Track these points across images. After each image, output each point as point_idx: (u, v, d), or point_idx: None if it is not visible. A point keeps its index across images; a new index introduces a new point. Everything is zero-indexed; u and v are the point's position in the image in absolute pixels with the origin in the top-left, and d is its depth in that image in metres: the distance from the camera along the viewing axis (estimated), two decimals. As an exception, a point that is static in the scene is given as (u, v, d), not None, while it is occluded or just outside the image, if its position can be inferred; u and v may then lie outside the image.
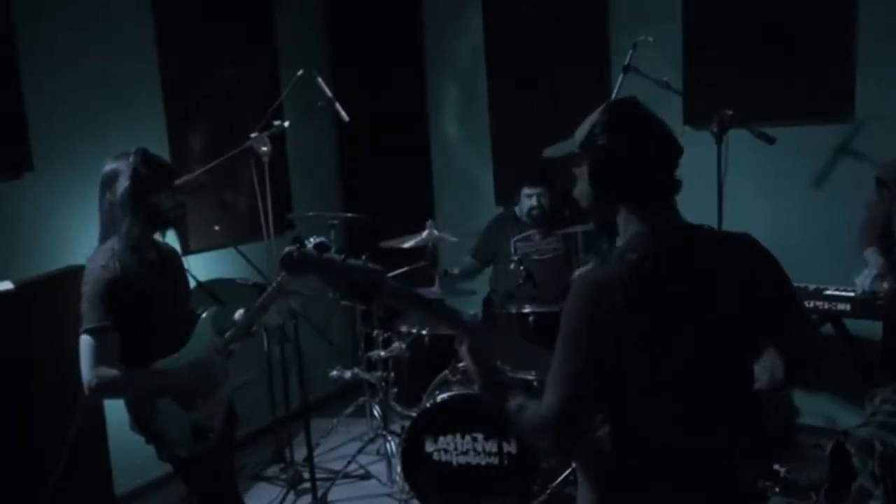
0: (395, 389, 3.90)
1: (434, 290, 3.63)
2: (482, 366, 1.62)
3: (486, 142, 4.81)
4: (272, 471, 4.02)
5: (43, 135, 3.37)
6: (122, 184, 2.30)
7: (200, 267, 3.54)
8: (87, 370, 2.21)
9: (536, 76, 4.54)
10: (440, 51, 4.91)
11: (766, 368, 1.57)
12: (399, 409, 3.88)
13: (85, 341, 2.22)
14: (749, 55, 3.89)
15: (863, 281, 3.21)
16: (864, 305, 3.14)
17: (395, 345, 3.81)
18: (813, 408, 3.87)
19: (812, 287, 3.31)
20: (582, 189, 1.56)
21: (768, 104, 3.82)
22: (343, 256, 1.57)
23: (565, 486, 3.37)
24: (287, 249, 1.57)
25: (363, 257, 1.61)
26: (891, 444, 2.59)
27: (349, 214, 4.43)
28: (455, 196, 4.99)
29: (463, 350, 1.65)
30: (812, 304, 3.20)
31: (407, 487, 3.41)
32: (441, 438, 3.29)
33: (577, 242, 3.86)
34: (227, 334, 2.53)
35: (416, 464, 3.32)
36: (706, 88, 3.90)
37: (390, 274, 1.65)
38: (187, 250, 3.82)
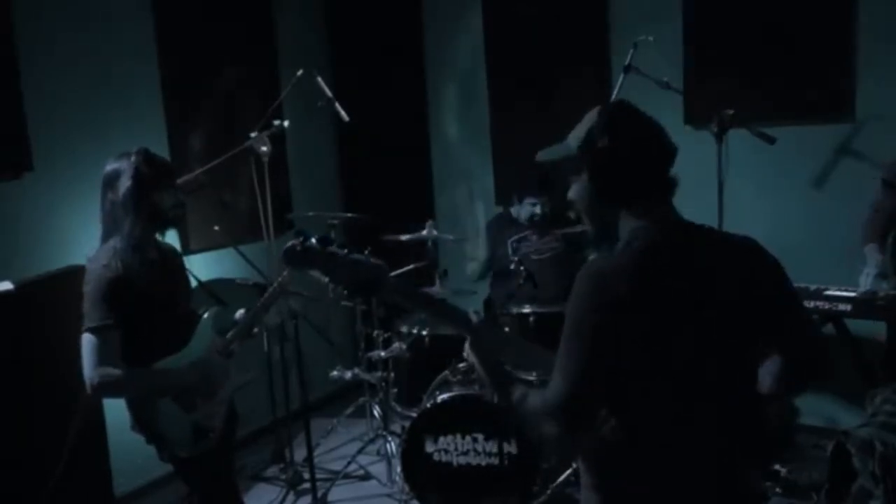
0: (396, 389, 3.90)
1: (435, 290, 3.63)
2: (487, 363, 1.63)
3: (486, 142, 4.81)
4: (272, 471, 4.02)
5: (43, 135, 3.37)
6: (125, 183, 2.30)
7: (200, 267, 3.54)
8: (89, 369, 2.22)
9: (536, 76, 4.54)
10: (440, 51, 4.91)
11: (769, 373, 1.57)
12: (399, 409, 3.88)
13: (87, 340, 2.22)
14: (749, 55, 3.89)
15: (865, 280, 3.21)
16: (865, 305, 3.13)
17: (395, 345, 3.81)
18: (813, 408, 3.87)
19: (813, 287, 3.31)
20: (580, 192, 1.56)
21: (768, 104, 3.82)
22: (346, 251, 1.58)
23: (565, 486, 3.36)
24: (290, 243, 1.57)
25: (366, 252, 1.60)
26: (891, 445, 2.59)
27: (349, 214, 4.42)
28: (455, 196, 4.99)
29: (466, 348, 1.65)
30: (813, 304, 3.20)
31: (407, 488, 3.41)
32: (441, 439, 3.29)
33: (576, 241, 3.86)
34: (229, 334, 2.54)
35: (416, 464, 3.32)
36: (706, 88, 3.90)
37: (391, 273, 1.64)
38: (187, 250, 3.83)
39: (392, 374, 3.88)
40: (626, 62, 3.48)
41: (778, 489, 3.31)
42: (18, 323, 2.84)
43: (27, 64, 3.31)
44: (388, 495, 3.68)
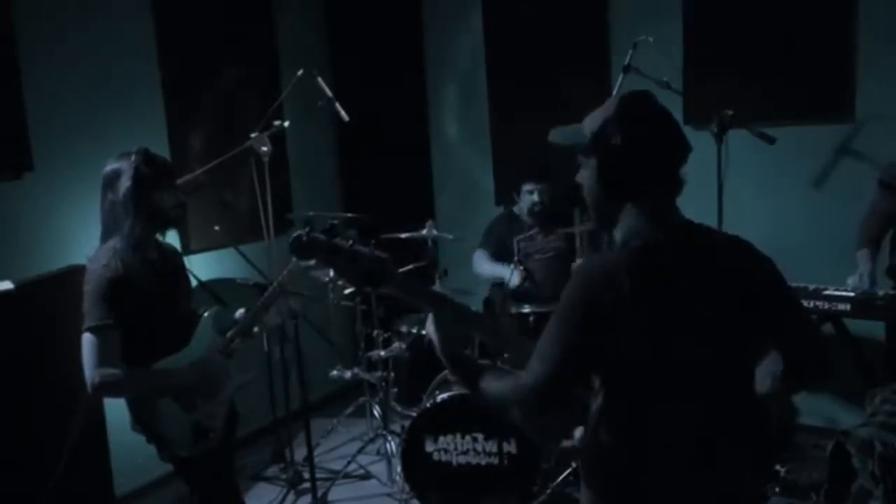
0: (395, 389, 3.91)
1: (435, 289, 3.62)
2: (447, 343, 1.62)
3: (486, 142, 4.81)
4: (272, 471, 4.03)
5: (43, 135, 3.37)
6: (124, 183, 2.30)
7: (201, 267, 3.54)
8: (89, 369, 2.22)
9: (536, 76, 4.54)
10: (440, 51, 4.91)
11: (768, 373, 1.57)
12: (399, 409, 3.88)
13: (87, 340, 2.22)
14: (749, 55, 3.89)
15: (854, 283, 3.22)
16: (864, 305, 3.13)
17: (395, 345, 3.81)
18: (813, 408, 3.87)
19: (812, 287, 3.31)
20: (588, 182, 1.56)
21: (768, 104, 3.82)
22: (351, 242, 1.58)
23: (565, 486, 3.37)
24: (296, 233, 1.58)
25: (371, 245, 1.61)
26: (891, 445, 2.59)
27: (349, 214, 4.42)
28: (455, 196, 4.99)
29: (428, 324, 1.64)
30: (812, 304, 3.20)
31: (407, 487, 3.41)
32: (441, 438, 3.29)
33: (579, 241, 3.86)
34: (229, 334, 2.54)
35: (416, 464, 3.32)
36: (706, 88, 3.90)
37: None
38: (187, 250, 3.83)
39: (392, 374, 3.88)
40: (626, 62, 3.48)
41: (778, 489, 3.32)
42: (18, 323, 2.84)
43: (27, 64, 3.31)
44: (388, 495, 3.68)
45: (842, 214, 3.51)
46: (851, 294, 3.19)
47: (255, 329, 2.65)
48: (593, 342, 1.41)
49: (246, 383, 2.62)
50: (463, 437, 3.27)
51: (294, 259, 2.51)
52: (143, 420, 2.37)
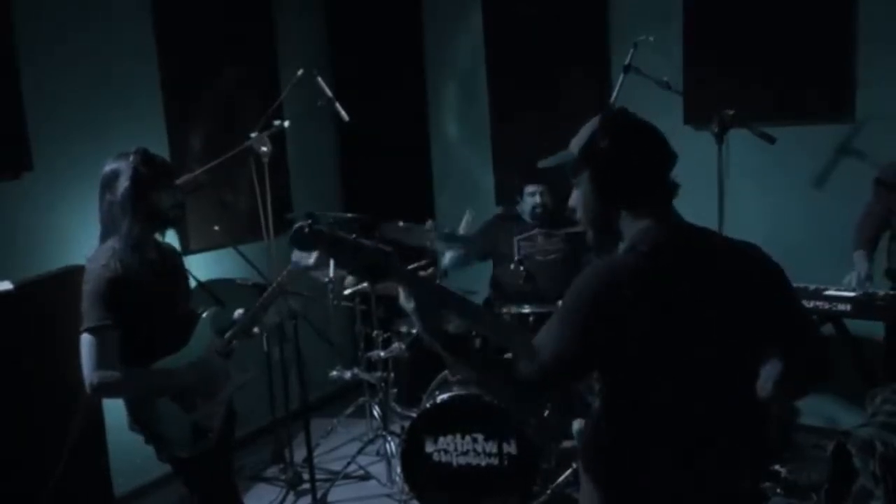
0: (395, 390, 3.90)
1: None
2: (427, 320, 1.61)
3: (486, 142, 4.81)
4: (272, 471, 4.02)
5: (42, 135, 3.37)
6: (123, 184, 2.30)
7: (200, 267, 3.54)
8: (88, 369, 2.22)
9: (536, 76, 4.54)
10: (440, 51, 4.91)
11: (770, 377, 1.57)
12: (399, 409, 3.88)
13: (86, 340, 2.22)
14: (749, 55, 3.88)
15: (849, 282, 3.23)
16: (864, 305, 3.13)
17: (395, 345, 3.81)
18: (813, 408, 3.87)
19: (812, 287, 3.31)
20: (582, 196, 1.57)
21: (768, 104, 3.82)
22: (354, 235, 1.58)
23: (565, 486, 3.37)
24: (298, 224, 1.57)
25: (374, 238, 1.61)
26: (892, 445, 2.59)
27: (349, 214, 4.42)
28: (455, 196, 4.98)
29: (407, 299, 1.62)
30: (812, 304, 3.20)
31: (407, 488, 3.41)
32: (441, 439, 3.29)
33: (581, 242, 3.85)
34: (228, 334, 2.53)
35: (416, 464, 3.32)
36: (706, 88, 3.90)
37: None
38: (187, 250, 3.83)
39: (392, 374, 3.88)
40: (626, 62, 3.48)
41: (778, 489, 3.31)
42: (18, 323, 2.84)
43: (27, 64, 3.31)
44: (388, 495, 3.68)
45: (842, 214, 3.51)
46: (852, 294, 3.19)
47: (255, 329, 2.65)
48: (595, 341, 1.41)
49: (245, 383, 2.61)
50: (463, 438, 3.27)
51: (294, 256, 2.50)
52: (141, 420, 2.37)
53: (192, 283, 2.74)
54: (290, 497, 3.73)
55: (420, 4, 4.91)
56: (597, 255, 1.62)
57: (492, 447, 3.25)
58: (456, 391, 3.33)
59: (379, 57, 5.02)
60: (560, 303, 1.50)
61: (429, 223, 3.73)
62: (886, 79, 3.60)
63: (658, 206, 1.52)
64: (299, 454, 3.88)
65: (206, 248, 4.07)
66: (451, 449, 3.29)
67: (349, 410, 4.35)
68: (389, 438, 3.85)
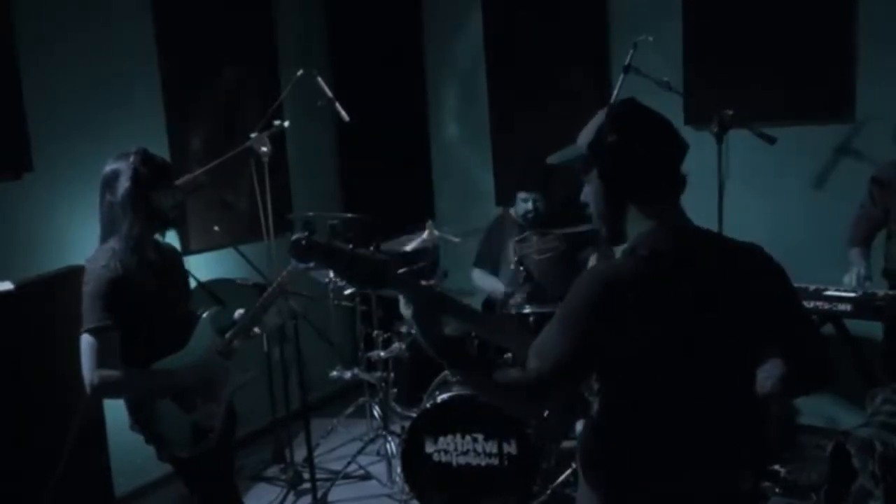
0: (395, 390, 3.90)
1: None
2: (430, 331, 1.58)
3: (486, 142, 4.81)
4: (272, 471, 4.02)
5: (43, 135, 3.37)
6: (123, 184, 2.30)
7: (200, 267, 3.54)
8: (88, 370, 2.22)
9: (536, 76, 4.54)
10: (440, 51, 4.91)
11: (770, 376, 1.57)
12: (399, 409, 3.88)
13: (86, 341, 2.22)
14: (749, 55, 3.88)
15: (846, 281, 3.23)
16: (864, 305, 3.13)
17: (395, 345, 3.81)
18: (813, 408, 3.87)
19: (812, 287, 3.31)
20: (592, 191, 1.56)
21: (768, 104, 3.82)
22: (351, 246, 1.58)
23: (565, 486, 3.37)
24: (296, 236, 1.58)
25: (371, 248, 1.61)
26: (891, 445, 2.59)
27: (349, 214, 4.42)
28: (455, 196, 4.99)
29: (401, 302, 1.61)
30: (812, 304, 3.20)
31: (407, 488, 3.41)
32: (441, 439, 3.29)
33: (577, 241, 3.86)
34: (228, 335, 2.53)
35: (416, 464, 3.32)
36: (706, 88, 3.90)
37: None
38: (187, 250, 3.83)
39: (392, 374, 3.88)
40: (626, 62, 3.48)
41: (778, 489, 3.32)
42: (18, 323, 2.84)
43: (27, 64, 3.31)
44: (388, 495, 3.68)
45: (842, 214, 3.51)
46: (852, 294, 3.19)
47: (255, 329, 2.65)
48: (594, 345, 1.41)
49: (245, 383, 2.61)
50: (463, 438, 3.27)
51: (293, 259, 2.50)
52: (141, 420, 2.37)
53: (193, 284, 2.74)
54: (291, 497, 3.73)
55: (420, 4, 4.91)
56: (607, 249, 1.61)
57: (492, 447, 3.25)
58: (456, 391, 3.33)
59: (379, 57, 5.02)
60: (559, 307, 1.49)
61: (429, 223, 3.74)
62: (886, 79, 3.60)
63: (666, 203, 1.51)
64: (299, 454, 3.88)
65: (206, 249, 4.07)
66: (451, 449, 3.29)
67: (349, 410, 4.35)
68: (389, 438, 3.85)
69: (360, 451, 3.94)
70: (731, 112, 3.31)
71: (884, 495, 2.56)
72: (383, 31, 5.03)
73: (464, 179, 4.93)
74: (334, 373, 4.06)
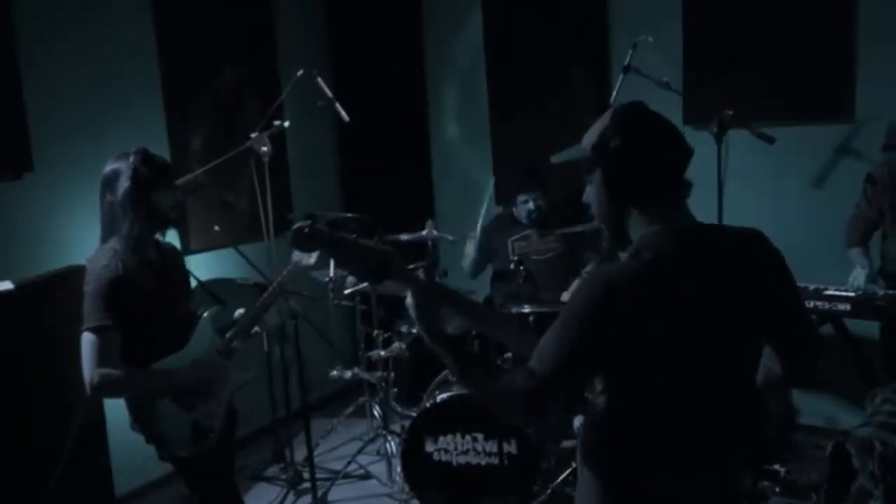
0: (395, 389, 3.90)
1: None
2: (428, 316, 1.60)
3: (486, 142, 4.81)
4: (272, 471, 4.03)
5: (43, 135, 3.37)
6: (123, 184, 2.30)
7: (200, 267, 3.54)
8: (88, 369, 2.22)
9: (536, 76, 4.54)
10: (440, 51, 4.91)
11: (762, 367, 1.58)
12: (399, 409, 3.88)
13: (87, 340, 2.22)
14: (749, 55, 3.89)
15: (853, 281, 3.22)
16: (864, 305, 3.14)
17: (395, 345, 3.81)
18: (813, 408, 3.87)
19: (812, 287, 3.31)
20: (594, 193, 1.55)
21: (768, 104, 3.82)
22: (354, 235, 1.57)
23: (565, 486, 3.37)
24: (298, 224, 1.55)
25: (375, 238, 1.60)
26: (891, 445, 2.60)
27: (349, 214, 4.42)
28: (455, 196, 4.99)
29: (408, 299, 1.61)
30: (812, 304, 3.20)
31: (407, 487, 3.42)
32: (441, 438, 3.29)
33: (577, 241, 3.86)
34: (228, 334, 2.53)
35: (416, 464, 3.32)
36: (706, 88, 3.90)
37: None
38: (187, 250, 3.83)
39: (392, 374, 3.88)
40: (626, 62, 3.48)
41: (778, 489, 3.31)
42: (18, 323, 2.84)
43: (27, 64, 3.31)
44: (388, 495, 3.68)
45: (842, 214, 3.51)
46: (851, 294, 3.19)
47: (255, 329, 2.65)
48: (595, 350, 1.40)
49: (245, 383, 2.61)
50: (463, 438, 3.28)
51: (294, 256, 2.50)
52: (141, 420, 2.37)
53: (193, 283, 2.74)
54: (291, 496, 3.73)
55: (420, 4, 4.91)
56: (610, 252, 1.61)
57: (492, 447, 3.25)
58: (456, 391, 3.33)
59: (379, 57, 5.02)
60: (561, 311, 1.48)
61: (429, 223, 3.74)
62: (886, 79, 3.60)
63: (669, 207, 1.50)
64: (300, 454, 3.88)
65: (206, 248, 4.07)
66: (452, 448, 3.29)
67: (349, 410, 4.35)
68: (389, 438, 3.85)
69: (360, 451, 3.94)
70: (730, 112, 3.31)
71: (884, 495, 2.56)
72: (383, 31, 5.03)
73: (464, 179, 4.93)
74: (334, 373, 4.05)
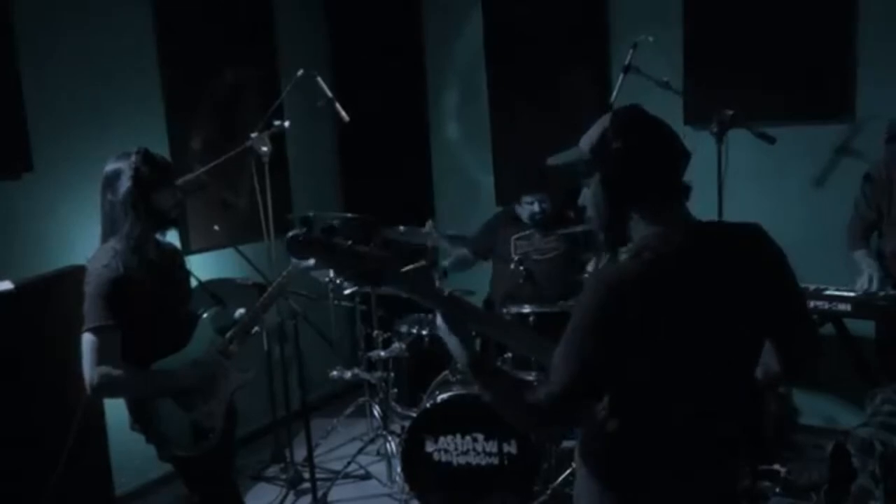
0: (395, 389, 3.90)
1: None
2: (466, 345, 1.61)
3: (486, 142, 4.81)
4: (272, 471, 4.02)
5: (43, 135, 3.37)
6: (124, 184, 2.30)
7: (200, 267, 3.54)
8: (88, 369, 2.22)
9: (536, 76, 4.54)
10: (440, 51, 4.91)
11: (761, 364, 1.58)
12: (399, 409, 3.87)
13: (87, 340, 2.22)
14: (749, 55, 3.88)
15: (862, 285, 3.21)
16: (864, 305, 3.13)
17: (395, 345, 3.80)
18: (813, 408, 3.87)
19: (812, 287, 3.31)
20: (592, 196, 1.55)
21: (768, 104, 3.82)
22: (350, 242, 1.57)
23: (565, 486, 3.36)
24: (293, 232, 1.56)
25: (371, 244, 1.61)
26: (891, 445, 2.60)
27: (349, 214, 4.42)
28: (455, 196, 4.99)
29: (439, 322, 1.63)
30: (812, 304, 3.20)
31: (407, 487, 3.41)
32: (441, 438, 3.29)
33: (578, 241, 3.86)
34: (228, 334, 2.53)
35: (416, 464, 3.32)
36: (706, 88, 3.90)
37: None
38: (187, 250, 3.83)
39: (392, 374, 3.88)
40: (626, 62, 3.48)
41: (778, 489, 3.31)
42: (18, 323, 2.84)
43: (27, 64, 3.31)
44: (388, 495, 3.68)
45: (842, 214, 3.51)
46: (852, 294, 3.19)
47: (255, 329, 2.65)
48: (606, 357, 1.40)
49: (245, 383, 2.61)
50: (463, 438, 3.27)
51: (293, 259, 2.50)
52: (141, 420, 2.37)
53: (193, 283, 2.74)
54: (291, 496, 3.73)
55: (420, 4, 4.91)
56: (607, 254, 1.60)
57: (492, 447, 3.25)
58: (456, 391, 3.33)
59: (379, 57, 5.02)
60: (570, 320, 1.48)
61: (428, 223, 3.73)
62: (886, 79, 3.60)
63: (669, 208, 1.50)
64: (299, 454, 3.88)
65: (206, 248, 4.07)
66: (452, 448, 3.29)
67: (349, 410, 4.35)
68: (389, 438, 3.85)
69: (360, 451, 3.94)
70: (730, 112, 3.30)
71: (884, 495, 2.56)
72: (383, 30, 5.03)
73: (464, 179, 4.94)
74: (334, 373, 4.05)
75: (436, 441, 3.30)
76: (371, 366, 3.99)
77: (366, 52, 5.02)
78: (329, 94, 3.80)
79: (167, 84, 3.95)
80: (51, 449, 2.88)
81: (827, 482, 2.84)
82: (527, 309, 3.52)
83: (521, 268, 3.67)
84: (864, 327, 3.38)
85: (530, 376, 3.31)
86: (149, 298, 2.33)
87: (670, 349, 1.41)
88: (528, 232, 3.94)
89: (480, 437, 3.26)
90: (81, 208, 3.20)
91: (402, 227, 3.72)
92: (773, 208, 3.89)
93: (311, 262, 2.46)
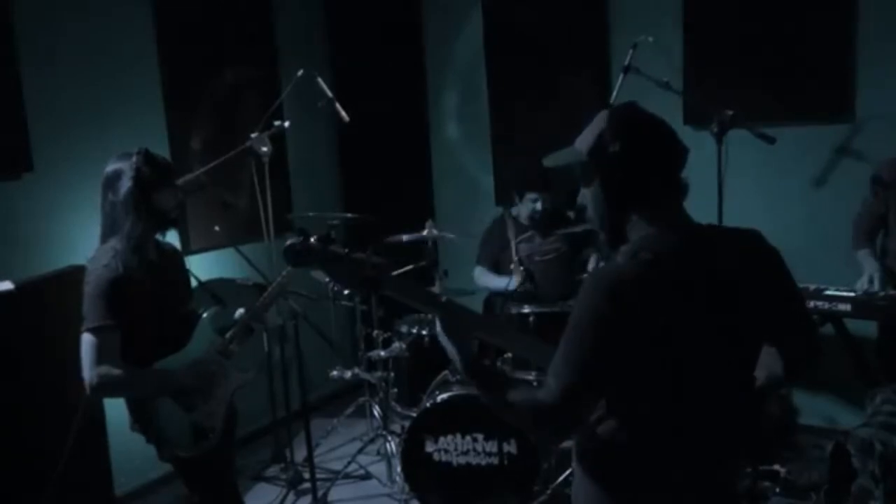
0: (395, 389, 3.90)
1: (434, 290, 3.62)
2: (463, 350, 1.62)
3: (486, 142, 4.81)
4: (272, 471, 4.02)
5: (43, 135, 3.37)
6: (125, 184, 2.30)
7: (200, 267, 3.54)
8: (88, 369, 2.22)
9: (536, 76, 4.54)
10: (440, 51, 4.91)
11: (762, 366, 1.58)
12: (399, 409, 3.88)
13: (86, 340, 2.22)
14: (749, 55, 3.89)
15: (862, 285, 3.21)
16: (864, 305, 3.13)
17: (395, 345, 3.81)
18: (813, 408, 3.87)
19: (812, 287, 3.31)
20: (591, 197, 1.55)
21: (768, 104, 3.82)
22: (347, 250, 1.58)
23: (565, 486, 3.36)
24: (290, 241, 1.57)
25: (368, 251, 1.61)
26: (891, 445, 2.60)
27: (349, 214, 4.42)
28: (455, 196, 4.99)
29: (438, 329, 1.64)
30: (812, 304, 3.20)
31: (407, 487, 3.42)
32: (441, 438, 3.29)
33: (578, 241, 3.86)
34: (228, 334, 2.53)
35: (416, 464, 3.32)
36: (706, 88, 3.90)
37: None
38: (187, 250, 3.83)
39: (392, 374, 3.88)
40: (626, 63, 3.48)
41: (778, 489, 3.31)
42: (18, 323, 2.84)
43: (27, 64, 3.31)
44: (388, 495, 3.68)
45: (842, 214, 3.51)
46: (852, 294, 3.19)
47: (255, 329, 2.65)
48: (604, 357, 1.40)
49: (245, 383, 2.61)
50: (463, 438, 3.27)
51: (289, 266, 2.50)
52: (141, 420, 2.37)
53: (193, 283, 2.74)
54: (291, 496, 3.73)
55: (420, 4, 4.91)
56: (608, 253, 1.60)
57: (492, 447, 3.25)
58: (456, 391, 3.33)
59: (379, 57, 5.03)
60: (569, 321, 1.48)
61: (428, 223, 3.73)
62: (886, 79, 3.60)
63: (668, 209, 1.50)
64: (300, 454, 3.88)
65: (206, 248, 4.07)
66: (452, 448, 3.29)
67: (349, 410, 4.35)
68: (389, 438, 3.85)
69: (360, 451, 3.93)
70: (730, 112, 3.31)
71: (884, 495, 2.56)
72: (383, 31, 5.03)
73: (464, 179, 4.94)
74: (334, 373, 4.06)
75: (436, 441, 3.30)
76: (371, 366, 3.99)
77: (366, 52, 5.03)
78: (329, 94, 3.80)
79: (167, 84, 3.95)
80: (51, 449, 2.88)
81: (827, 482, 2.84)
82: (527, 309, 3.52)
83: (522, 268, 3.67)
84: (864, 327, 3.38)
85: (530, 376, 3.31)
86: (149, 298, 2.33)
87: (668, 349, 1.41)
88: (528, 234, 3.94)
89: (480, 437, 3.26)
90: (81, 208, 3.20)
91: (405, 237, 3.71)
92: (773, 208, 3.89)
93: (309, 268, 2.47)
